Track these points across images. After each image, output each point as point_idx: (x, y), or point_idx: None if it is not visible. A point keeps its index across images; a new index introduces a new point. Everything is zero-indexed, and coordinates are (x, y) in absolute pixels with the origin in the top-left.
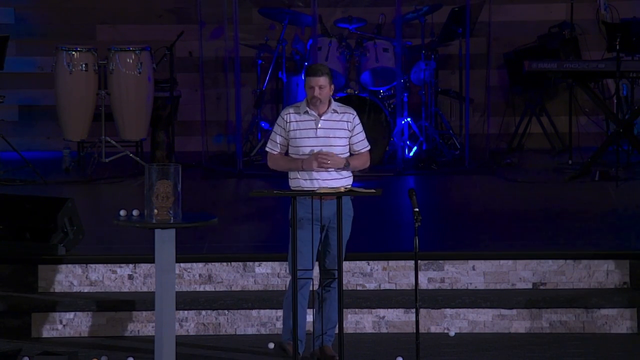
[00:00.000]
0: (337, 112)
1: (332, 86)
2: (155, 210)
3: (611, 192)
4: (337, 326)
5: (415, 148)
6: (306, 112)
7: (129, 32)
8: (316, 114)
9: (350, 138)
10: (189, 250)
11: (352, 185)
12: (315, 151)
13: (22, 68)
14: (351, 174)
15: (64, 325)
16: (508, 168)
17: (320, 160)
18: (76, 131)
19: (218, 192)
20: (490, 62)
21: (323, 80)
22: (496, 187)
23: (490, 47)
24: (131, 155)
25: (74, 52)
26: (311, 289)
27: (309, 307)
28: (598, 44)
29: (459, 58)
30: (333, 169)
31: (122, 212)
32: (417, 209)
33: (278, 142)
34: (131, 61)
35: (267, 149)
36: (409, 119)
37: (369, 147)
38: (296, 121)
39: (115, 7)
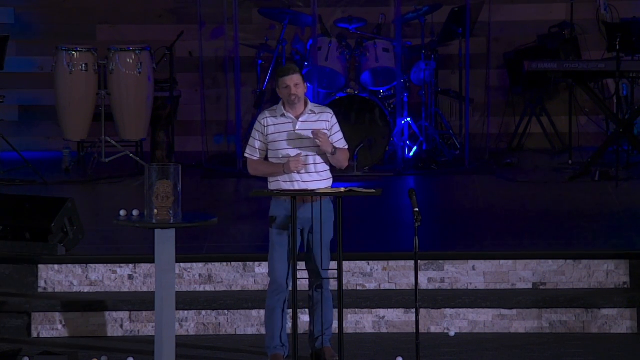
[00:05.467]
0: (315, 113)
1: (305, 84)
2: (155, 210)
3: (611, 192)
4: (338, 326)
5: (415, 148)
6: (283, 115)
7: (129, 32)
8: (293, 116)
9: (329, 137)
10: (189, 250)
11: (349, 185)
12: (294, 153)
13: (22, 68)
14: (330, 176)
15: (63, 325)
16: (508, 168)
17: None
18: (76, 131)
19: (218, 192)
20: (490, 62)
21: (297, 78)
22: (496, 187)
23: (490, 47)
24: (131, 155)
25: (74, 52)
26: (308, 290)
27: (304, 308)
28: (598, 44)
29: (459, 58)
30: (313, 170)
31: (122, 212)
32: (417, 209)
33: (257, 147)
34: (131, 61)
35: (246, 155)
36: (409, 119)
37: (347, 147)
38: (274, 125)
39: (115, 7)
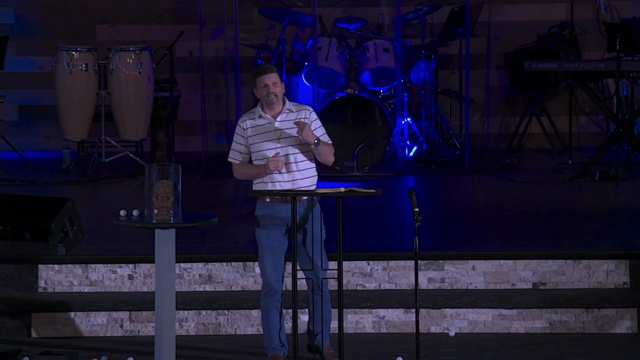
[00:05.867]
0: (293, 111)
1: (283, 84)
2: (155, 210)
3: (611, 192)
4: (338, 326)
5: (415, 148)
6: (261, 117)
7: (129, 32)
8: (271, 117)
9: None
10: (189, 250)
11: (349, 185)
12: (275, 153)
13: (22, 68)
14: (316, 174)
15: (63, 325)
16: (508, 168)
17: (274, 165)
18: (76, 131)
19: (218, 192)
20: (490, 62)
21: (274, 77)
22: (496, 187)
23: (490, 47)
24: (131, 155)
25: (74, 52)
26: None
27: (304, 308)
28: (598, 44)
29: (459, 58)
30: (294, 169)
31: (122, 212)
32: (417, 209)
33: (239, 150)
34: (131, 61)
35: (229, 159)
36: (409, 119)
37: (330, 142)
38: (252, 127)
39: (115, 7)
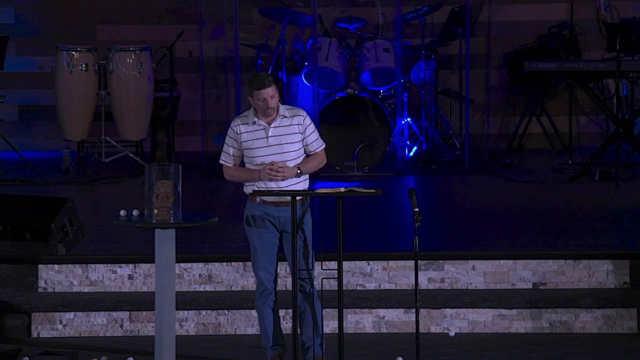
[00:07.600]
0: (287, 117)
1: (278, 91)
2: (155, 210)
3: (611, 192)
4: (338, 326)
5: (415, 148)
6: (255, 122)
7: (129, 32)
8: (265, 123)
9: (303, 140)
10: (189, 250)
11: (349, 185)
12: (269, 160)
13: (22, 68)
14: (307, 177)
15: (64, 325)
16: (508, 168)
17: (271, 174)
18: (76, 131)
19: (218, 192)
20: (490, 62)
21: (272, 90)
22: (496, 187)
23: (490, 47)
24: (131, 155)
25: (74, 52)
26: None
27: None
28: (598, 44)
29: (459, 58)
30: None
31: (122, 212)
32: (417, 209)
33: (231, 154)
34: (131, 61)
35: (221, 162)
36: (409, 119)
37: (324, 146)
38: (247, 132)
39: (115, 7)
